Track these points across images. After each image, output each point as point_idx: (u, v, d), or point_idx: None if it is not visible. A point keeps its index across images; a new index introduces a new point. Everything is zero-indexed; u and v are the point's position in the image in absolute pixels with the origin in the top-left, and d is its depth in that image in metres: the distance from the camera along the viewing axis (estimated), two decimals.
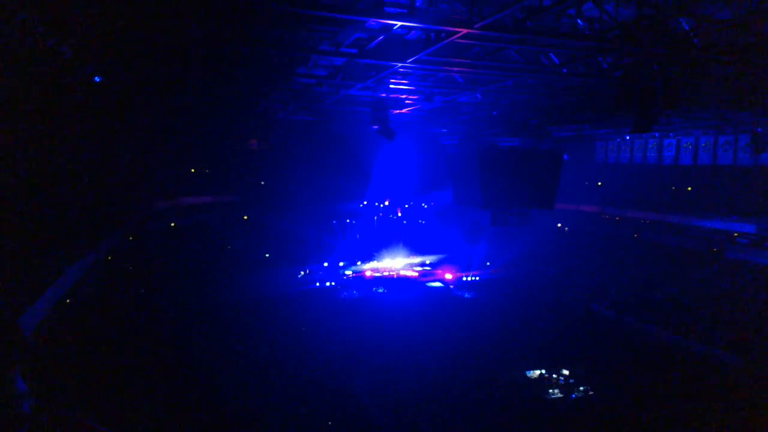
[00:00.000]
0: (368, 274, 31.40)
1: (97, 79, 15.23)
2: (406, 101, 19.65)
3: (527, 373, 18.73)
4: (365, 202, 36.23)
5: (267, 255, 30.11)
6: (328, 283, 29.20)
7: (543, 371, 18.63)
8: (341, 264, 31.38)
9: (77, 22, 11.19)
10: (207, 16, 10.89)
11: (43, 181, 16.76)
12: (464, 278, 31.21)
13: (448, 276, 31.23)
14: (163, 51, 13.47)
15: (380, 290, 29.33)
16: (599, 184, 35.58)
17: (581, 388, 17.79)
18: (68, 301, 15.67)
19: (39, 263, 14.26)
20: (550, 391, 17.74)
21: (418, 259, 33.40)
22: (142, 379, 14.39)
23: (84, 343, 14.70)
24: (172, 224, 29.13)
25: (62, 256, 15.67)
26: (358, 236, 35.42)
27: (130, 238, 25.69)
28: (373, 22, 10.28)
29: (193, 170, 31.63)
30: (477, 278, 31.36)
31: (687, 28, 11.03)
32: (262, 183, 33.43)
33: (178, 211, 29.84)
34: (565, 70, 13.56)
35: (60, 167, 18.22)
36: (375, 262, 32.43)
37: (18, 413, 7.31)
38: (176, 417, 13.23)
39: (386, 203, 37.28)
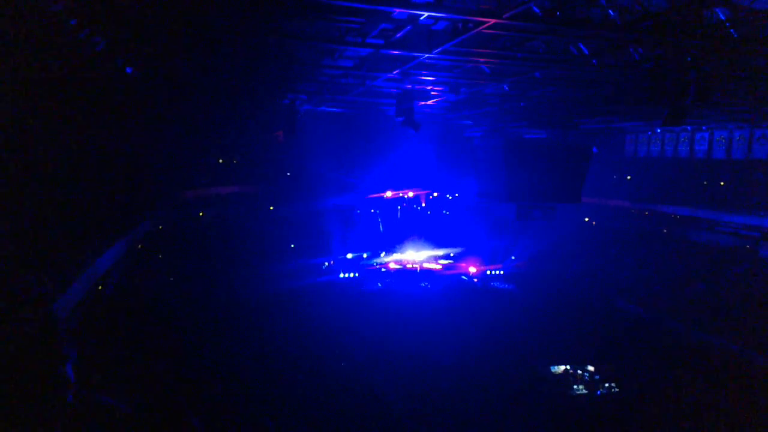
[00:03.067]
0: (392, 266, 31.44)
1: (128, 70, 15.55)
2: (432, 93, 19.54)
3: (552, 368, 18.57)
4: (390, 193, 36.20)
5: (292, 246, 30.38)
6: (351, 275, 29.34)
7: (568, 366, 18.45)
8: (365, 255, 31.50)
9: (109, 13, 11.41)
10: (234, 7, 10.99)
11: (75, 170, 17.18)
12: (488, 272, 31.03)
13: (472, 269, 31.08)
14: (192, 43, 13.66)
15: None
16: (628, 178, 34.90)
17: (606, 385, 17.59)
18: (100, 288, 16.09)
19: (72, 251, 14.64)
20: (575, 386, 17.58)
21: (441, 252, 33.28)
22: (170, 366, 14.70)
23: (115, 330, 15.09)
24: (200, 213, 29.58)
25: (95, 245, 16.07)
26: (381, 227, 35.48)
27: (160, 227, 26.22)
28: (399, 12, 10.25)
29: (220, 161, 32.06)
30: (501, 272, 31.15)
31: (723, 18, 10.73)
32: (288, 174, 33.69)
33: (205, 200, 30.29)
34: (594, 62, 13.33)
35: (92, 157, 18.65)
36: (398, 254, 32.45)
37: (63, 403, 7.46)
38: (200, 403, 13.49)
39: (411, 194, 37.20)
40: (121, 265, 18.52)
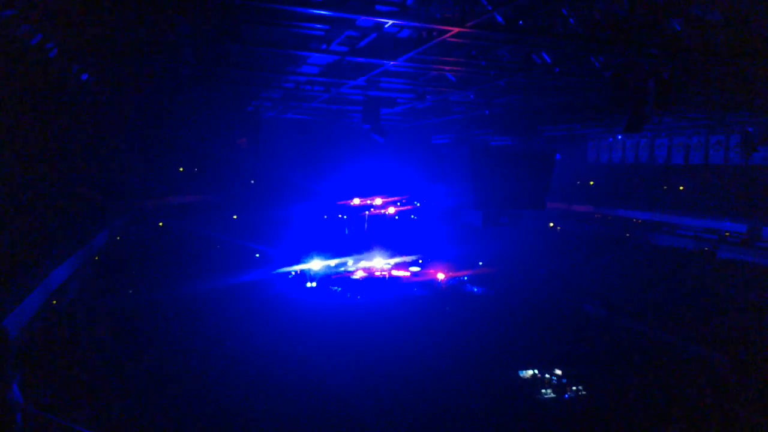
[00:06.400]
0: (360, 274, 31.25)
1: (84, 76, 15.05)
2: (398, 100, 19.54)
3: (520, 372, 18.67)
4: (357, 200, 36.12)
5: (257, 255, 29.91)
6: (316, 284, 29.04)
7: (535, 371, 18.58)
8: (332, 263, 31.22)
9: (63, 18, 11.01)
10: (196, 13, 10.72)
11: (28, 180, 16.52)
12: (456, 278, 31.14)
13: (441, 275, 31.13)
14: (152, 49, 13.30)
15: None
16: (591, 183, 35.65)
17: (574, 388, 17.77)
18: (54, 302, 15.45)
19: (24, 264, 14.03)
20: (543, 391, 17.70)
21: (409, 258, 33.28)
22: (130, 381, 14.21)
23: (71, 345, 14.50)
24: (160, 224, 28.84)
25: (49, 257, 15.44)
26: (348, 235, 35.33)
27: (118, 238, 25.45)
28: (363, 19, 10.17)
29: (181, 169, 31.38)
30: (469, 278, 31.31)
31: (679, 28, 10.99)
32: (252, 182, 33.22)
33: (166, 210, 29.57)
34: (557, 70, 13.50)
35: (46, 167, 17.97)
36: (366, 261, 32.29)
37: (11, 425, 7.09)
38: (166, 418, 13.07)
39: (378, 201, 37.19)
40: (78, 278, 17.85)
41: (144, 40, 12.28)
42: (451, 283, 30.78)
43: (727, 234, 26.06)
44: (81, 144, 20.18)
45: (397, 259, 32.90)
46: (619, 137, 29.25)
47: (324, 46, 12.23)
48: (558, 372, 18.47)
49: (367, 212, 36.91)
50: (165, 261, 25.22)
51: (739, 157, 24.15)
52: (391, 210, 37.74)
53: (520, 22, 10.03)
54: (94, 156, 21.91)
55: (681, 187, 29.71)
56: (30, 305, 13.40)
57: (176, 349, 17.16)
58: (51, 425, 8.21)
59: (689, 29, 10.98)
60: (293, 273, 29.63)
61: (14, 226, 14.72)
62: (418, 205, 38.60)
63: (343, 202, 35.57)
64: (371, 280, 30.91)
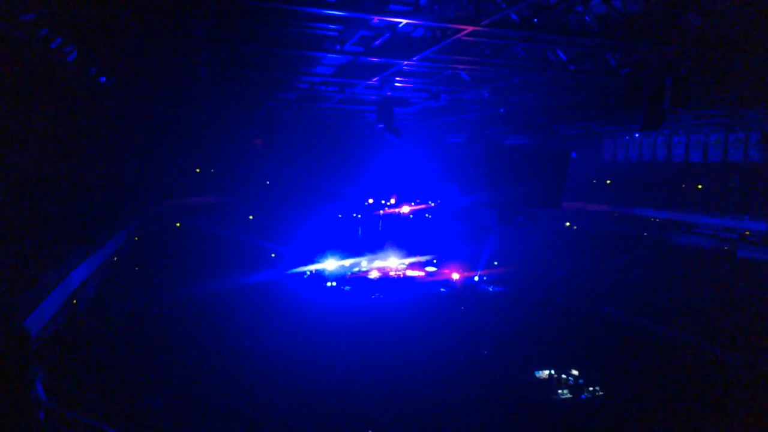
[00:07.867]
0: (375, 274, 31.26)
1: (102, 79, 15.26)
2: (412, 100, 19.53)
3: (536, 373, 18.56)
4: (371, 200, 36.16)
5: (273, 255, 30.09)
6: (333, 283, 29.11)
7: (552, 371, 18.45)
8: (347, 263, 31.29)
9: (81, 23, 11.18)
10: (211, 15, 10.82)
11: (49, 181, 16.80)
12: (472, 278, 31.01)
13: (455, 275, 31.03)
14: (169, 51, 13.45)
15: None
16: (608, 182, 35.28)
17: (591, 389, 17.61)
18: (74, 302, 15.69)
19: (44, 265, 14.26)
20: (559, 391, 17.56)
21: (424, 258, 33.22)
22: (150, 379, 14.37)
23: (91, 345, 14.71)
24: (178, 224, 29.14)
25: (68, 258, 15.68)
26: (363, 234, 35.36)
27: (136, 239, 25.78)
28: (377, 19, 10.18)
29: (198, 170, 31.70)
30: (485, 278, 31.16)
31: (696, 24, 10.84)
32: (267, 182, 33.44)
33: (183, 211, 29.92)
34: (572, 67, 13.38)
35: (67, 168, 18.26)
36: (381, 261, 32.30)
37: (35, 422, 7.24)
38: (185, 416, 13.20)
39: (392, 201, 37.19)
40: (97, 277, 18.11)
41: (161, 43, 12.41)
42: (467, 283, 30.64)
43: (747, 233, 25.61)
44: (99, 146, 20.48)
45: (412, 259, 32.86)
46: (636, 135, 28.91)
47: (338, 47, 12.26)
48: (574, 372, 18.31)
49: (381, 212, 36.91)
50: (182, 261, 25.47)
51: (759, 155, 23.73)
52: (406, 209, 37.70)
53: (535, 20, 9.97)
54: (113, 158, 22.22)
55: (699, 186, 29.26)
56: (50, 305, 13.62)
57: (194, 347, 17.31)
58: (73, 423, 8.36)
59: (706, 24, 10.83)
60: (308, 273, 29.75)
61: (35, 227, 14.97)
62: (433, 204, 38.50)
63: (357, 202, 35.61)
64: (386, 280, 30.89)
